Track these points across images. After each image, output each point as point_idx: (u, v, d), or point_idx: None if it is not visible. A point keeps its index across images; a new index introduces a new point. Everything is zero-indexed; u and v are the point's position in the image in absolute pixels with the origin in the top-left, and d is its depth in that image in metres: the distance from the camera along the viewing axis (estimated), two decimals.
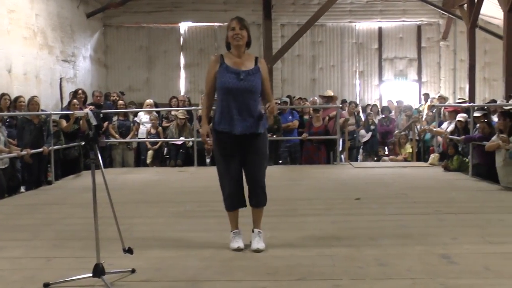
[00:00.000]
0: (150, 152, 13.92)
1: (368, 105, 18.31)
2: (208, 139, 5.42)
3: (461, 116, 11.43)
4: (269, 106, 5.25)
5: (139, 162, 14.24)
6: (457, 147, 11.59)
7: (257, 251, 5.25)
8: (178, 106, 14.66)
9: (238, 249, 5.32)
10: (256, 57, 5.46)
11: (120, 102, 14.38)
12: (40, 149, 10.19)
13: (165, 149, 13.97)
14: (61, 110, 13.53)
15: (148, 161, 13.92)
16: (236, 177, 5.36)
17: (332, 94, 14.80)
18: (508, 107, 10.19)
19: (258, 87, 5.31)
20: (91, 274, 4.30)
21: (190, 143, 13.34)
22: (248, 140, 5.28)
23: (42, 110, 11.31)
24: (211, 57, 5.55)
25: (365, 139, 15.81)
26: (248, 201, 5.47)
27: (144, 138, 13.94)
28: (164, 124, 14.37)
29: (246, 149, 5.30)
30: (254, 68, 5.31)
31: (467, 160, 11.25)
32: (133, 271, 4.61)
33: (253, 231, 5.44)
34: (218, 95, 5.41)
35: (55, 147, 10.83)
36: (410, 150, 14.54)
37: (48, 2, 14.99)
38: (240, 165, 5.36)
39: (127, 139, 13.65)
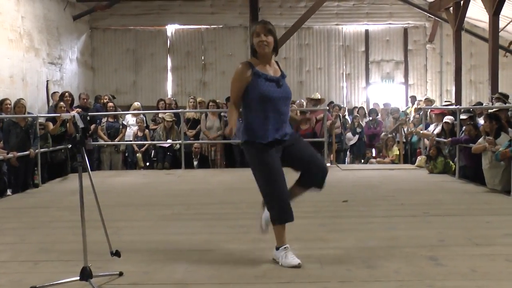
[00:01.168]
0: (139, 155, 13.91)
1: (355, 107, 18.35)
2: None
3: (448, 118, 11.50)
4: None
5: (126, 164, 14.23)
6: (439, 149, 11.65)
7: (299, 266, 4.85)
8: (165, 109, 14.66)
9: (299, 266, 4.80)
10: (277, 62, 5.27)
11: (110, 104, 14.32)
12: (27, 152, 10.14)
13: (153, 151, 13.96)
14: (46, 112, 13.45)
15: (141, 163, 13.91)
16: (284, 182, 4.94)
17: (320, 97, 14.82)
18: (494, 110, 10.24)
19: (291, 93, 5.19)
20: (78, 278, 4.29)
21: (178, 146, 13.33)
22: (287, 144, 4.99)
23: (29, 113, 11.25)
24: (238, 65, 5.05)
25: (352, 142, 15.85)
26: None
27: (130, 141, 13.93)
28: (152, 126, 14.35)
29: (287, 149, 5.00)
30: (282, 74, 5.14)
31: (451, 162, 11.32)
32: (120, 274, 4.60)
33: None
34: (252, 105, 4.94)
35: (42, 150, 10.78)
36: (397, 152, 14.59)
37: (34, 4, 14.93)
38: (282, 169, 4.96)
39: (115, 142, 13.59)
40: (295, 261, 4.82)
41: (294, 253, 4.93)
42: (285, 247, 4.93)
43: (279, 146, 4.95)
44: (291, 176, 5.07)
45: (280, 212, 4.91)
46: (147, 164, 14.17)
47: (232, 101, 5.07)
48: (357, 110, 17.48)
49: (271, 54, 5.04)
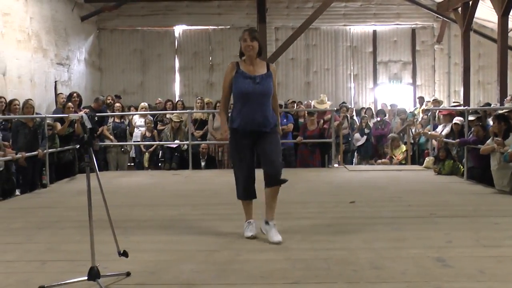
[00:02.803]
0: (146, 156, 13.93)
1: (363, 108, 18.32)
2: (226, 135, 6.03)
3: (457, 119, 11.45)
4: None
5: (134, 164, 14.27)
6: (449, 151, 11.62)
7: (278, 243, 5.66)
8: (173, 109, 14.68)
9: (252, 237, 5.89)
10: (267, 63, 6.08)
11: (117, 104, 14.34)
12: (35, 152, 10.17)
13: (160, 152, 13.97)
14: (53, 113, 13.47)
15: (146, 164, 13.93)
16: (249, 170, 5.96)
17: (329, 104, 14.57)
18: (503, 111, 10.21)
19: (271, 89, 5.92)
20: (86, 277, 4.30)
21: (185, 146, 13.33)
22: (262, 135, 5.86)
23: (37, 113, 11.28)
24: (228, 65, 6.10)
25: (359, 143, 15.83)
26: (264, 185, 5.93)
27: (139, 142, 13.96)
28: (159, 127, 14.36)
29: (260, 141, 5.87)
30: (267, 73, 5.92)
31: (459, 164, 11.27)
32: (128, 274, 4.61)
33: (267, 223, 5.88)
34: (234, 99, 5.97)
35: (50, 150, 10.81)
36: (404, 149, 14.53)
37: (43, 5, 14.96)
38: (252, 159, 6.00)
39: (122, 142, 13.62)
40: (248, 233, 5.94)
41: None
42: (248, 222, 6.05)
43: (253, 134, 5.85)
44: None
45: (237, 191, 6.09)
46: (155, 164, 14.16)
47: (223, 96, 6.10)
48: (364, 111, 17.45)
49: (256, 56, 5.93)
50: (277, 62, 18.30)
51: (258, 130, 5.82)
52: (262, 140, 5.86)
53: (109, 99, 15.08)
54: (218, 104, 13.85)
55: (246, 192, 6.01)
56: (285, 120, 13.36)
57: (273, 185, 5.85)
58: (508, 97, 12.15)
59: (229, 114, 6.09)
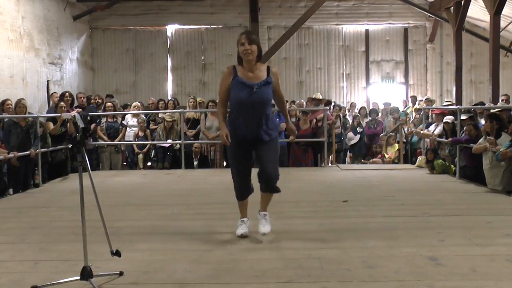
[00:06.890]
0: (140, 156, 13.89)
1: (353, 104, 18.39)
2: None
3: (448, 118, 11.47)
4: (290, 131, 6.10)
5: (127, 164, 14.24)
6: (436, 151, 11.66)
7: (263, 234, 5.75)
8: (165, 109, 14.65)
9: (242, 236, 5.83)
10: (268, 67, 5.77)
11: (108, 104, 14.30)
12: (27, 152, 10.14)
13: (153, 151, 13.95)
14: (46, 112, 13.44)
15: (141, 165, 13.89)
16: (245, 173, 5.83)
17: (321, 98, 14.83)
18: (496, 110, 10.24)
19: (270, 98, 5.69)
20: (78, 277, 4.30)
21: (178, 146, 13.33)
22: (259, 142, 5.69)
23: (29, 113, 11.25)
24: (224, 69, 5.84)
25: (352, 142, 15.84)
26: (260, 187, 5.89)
27: (131, 141, 13.92)
28: (152, 126, 14.34)
29: (257, 147, 5.72)
30: (267, 78, 5.64)
31: (450, 164, 11.29)
32: (121, 273, 4.61)
33: (259, 213, 5.92)
34: (231, 105, 5.74)
35: (42, 150, 10.77)
36: (396, 148, 14.58)
37: (35, 4, 14.92)
38: (249, 161, 5.85)
39: (115, 142, 13.59)
40: (239, 231, 5.88)
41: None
42: (241, 220, 5.99)
43: (249, 142, 5.68)
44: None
45: (236, 191, 5.96)
46: (148, 164, 14.13)
47: (219, 102, 5.91)
48: (358, 109, 17.47)
49: (255, 61, 5.62)
50: (270, 61, 18.24)
51: (254, 138, 5.66)
52: (259, 146, 5.70)
53: (96, 99, 15.00)
54: (210, 104, 13.90)
55: (242, 194, 5.94)
56: (277, 119, 13.32)
57: (267, 192, 5.88)
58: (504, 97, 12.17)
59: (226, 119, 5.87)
